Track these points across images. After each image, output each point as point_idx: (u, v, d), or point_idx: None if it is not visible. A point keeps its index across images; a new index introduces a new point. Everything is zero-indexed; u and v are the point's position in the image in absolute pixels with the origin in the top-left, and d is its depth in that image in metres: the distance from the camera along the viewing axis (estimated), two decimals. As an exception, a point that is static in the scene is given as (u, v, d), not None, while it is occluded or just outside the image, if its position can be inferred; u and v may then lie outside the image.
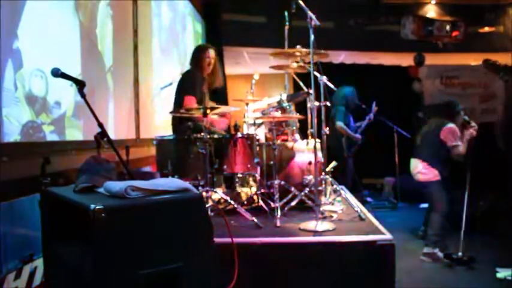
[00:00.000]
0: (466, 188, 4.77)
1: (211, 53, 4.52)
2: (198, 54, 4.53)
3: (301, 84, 4.52)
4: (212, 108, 3.70)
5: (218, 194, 3.66)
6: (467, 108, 5.10)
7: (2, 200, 2.59)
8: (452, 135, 4.77)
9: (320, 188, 3.96)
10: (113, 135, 2.69)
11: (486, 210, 5.85)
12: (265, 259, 2.96)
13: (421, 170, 4.90)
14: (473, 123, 4.93)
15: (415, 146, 5.15)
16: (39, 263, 2.83)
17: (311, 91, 3.72)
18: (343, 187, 4.56)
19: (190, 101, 4.23)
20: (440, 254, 4.53)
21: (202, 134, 3.62)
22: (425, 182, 4.91)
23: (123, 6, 4.59)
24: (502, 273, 4.19)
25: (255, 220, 3.38)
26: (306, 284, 2.93)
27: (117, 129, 4.28)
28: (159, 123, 5.47)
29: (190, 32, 7.49)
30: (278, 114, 4.07)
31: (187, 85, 4.36)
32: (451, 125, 4.81)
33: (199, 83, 4.38)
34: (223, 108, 4.07)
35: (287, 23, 4.53)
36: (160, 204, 1.93)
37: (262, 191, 3.98)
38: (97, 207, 1.72)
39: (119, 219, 1.79)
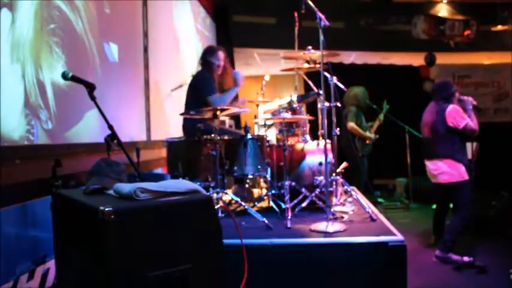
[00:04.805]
0: (472, 190, 4.56)
1: (222, 54, 4.52)
2: (209, 55, 4.52)
3: (312, 85, 4.51)
4: (222, 110, 3.70)
5: (229, 195, 3.67)
6: (480, 108, 4.90)
7: (15, 202, 2.62)
8: (459, 115, 4.42)
9: (331, 189, 3.94)
10: (123, 137, 2.70)
11: (499, 210, 5.78)
12: (275, 260, 2.96)
13: (445, 170, 4.48)
14: (466, 97, 4.60)
15: (425, 143, 4.76)
16: (51, 264, 2.86)
17: (321, 92, 3.71)
18: (354, 188, 4.53)
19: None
20: (454, 257, 4.46)
21: (212, 135, 3.62)
22: (451, 184, 4.48)
23: (133, 8, 4.62)
24: (516, 275, 4.14)
25: (266, 221, 3.37)
26: (316, 285, 2.92)
27: (128, 131, 4.30)
28: (171, 125, 5.49)
29: (201, 33, 7.52)
30: (288, 115, 4.07)
31: (205, 86, 4.34)
32: (451, 107, 4.46)
33: (213, 83, 4.38)
34: (233, 110, 4.07)
35: (297, 24, 4.52)
36: (169, 205, 1.93)
37: (273, 192, 3.98)
38: (106, 209, 1.73)
39: (127, 221, 1.80)
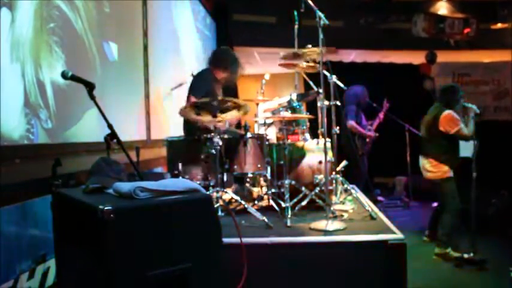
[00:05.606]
0: (473, 188, 4.62)
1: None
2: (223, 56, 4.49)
3: (312, 83, 4.51)
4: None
5: (229, 194, 3.67)
6: (480, 107, 4.96)
7: (15, 201, 2.63)
8: (452, 122, 4.57)
9: (330, 188, 3.95)
10: (123, 136, 2.71)
11: (499, 208, 5.78)
12: (275, 259, 2.96)
13: (429, 168, 4.77)
14: (471, 105, 4.70)
15: (421, 141, 4.97)
16: (51, 263, 2.86)
17: (321, 90, 3.71)
18: (354, 186, 4.54)
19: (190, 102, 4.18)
20: (453, 254, 4.49)
21: (212, 134, 3.62)
22: (435, 180, 4.75)
23: (132, 7, 4.62)
24: (516, 273, 4.14)
25: (266, 220, 3.37)
26: (316, 283, 2.92)
27: (128, 130, 4.29)
28: (170, 124, 5.49)
29: (200, 32, 7.51)
30: (288, 113, 4.06)
31: (194, 85, 4.31)
32: (446, 112, 4.60)
33: (209, 85, 4.33)
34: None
35: (297, 23, 4.51)
36: (168, 205, 1.93)
37: (273, 190, 3.97)
38: (106, 208, 1.73)
39: (127, 220, 1.80)
